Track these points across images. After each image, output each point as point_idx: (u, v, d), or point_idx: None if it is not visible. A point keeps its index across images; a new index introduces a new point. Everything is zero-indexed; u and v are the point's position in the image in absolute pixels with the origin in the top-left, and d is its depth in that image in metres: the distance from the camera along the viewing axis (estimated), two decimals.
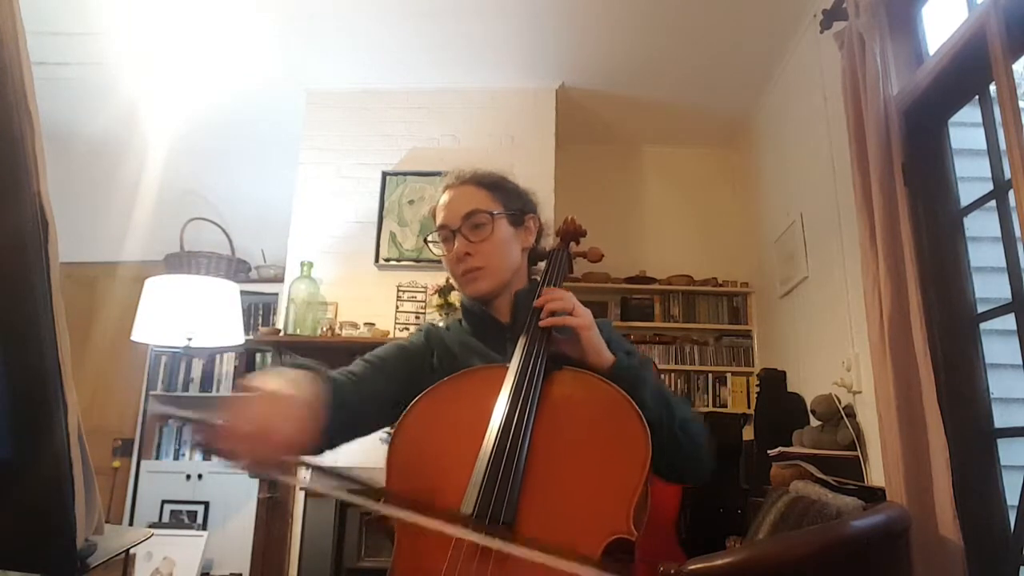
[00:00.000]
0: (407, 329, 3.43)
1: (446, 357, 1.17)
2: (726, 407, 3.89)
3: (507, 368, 1.03)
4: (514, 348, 1.07)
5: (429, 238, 1.23)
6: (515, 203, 1.23)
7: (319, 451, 0.95)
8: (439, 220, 1.20)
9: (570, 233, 1.32)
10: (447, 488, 0.91)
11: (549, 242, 1.31)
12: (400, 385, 1.13)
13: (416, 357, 1.18)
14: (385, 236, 3.59)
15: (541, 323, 1.07)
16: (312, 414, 0.87)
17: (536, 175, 1.31)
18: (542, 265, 1.27)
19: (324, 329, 3.35)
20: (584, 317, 1.06)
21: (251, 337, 3.60)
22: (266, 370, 0.92)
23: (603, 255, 1.33)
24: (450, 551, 0.83)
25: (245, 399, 0.81)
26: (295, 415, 0.84)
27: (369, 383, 1.12)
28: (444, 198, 1.21)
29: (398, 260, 3.56)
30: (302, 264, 3.47)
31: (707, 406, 3.90)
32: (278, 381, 0.89)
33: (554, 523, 0.86)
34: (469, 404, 1.01)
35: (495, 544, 0.79)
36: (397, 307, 3.48)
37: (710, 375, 3.98)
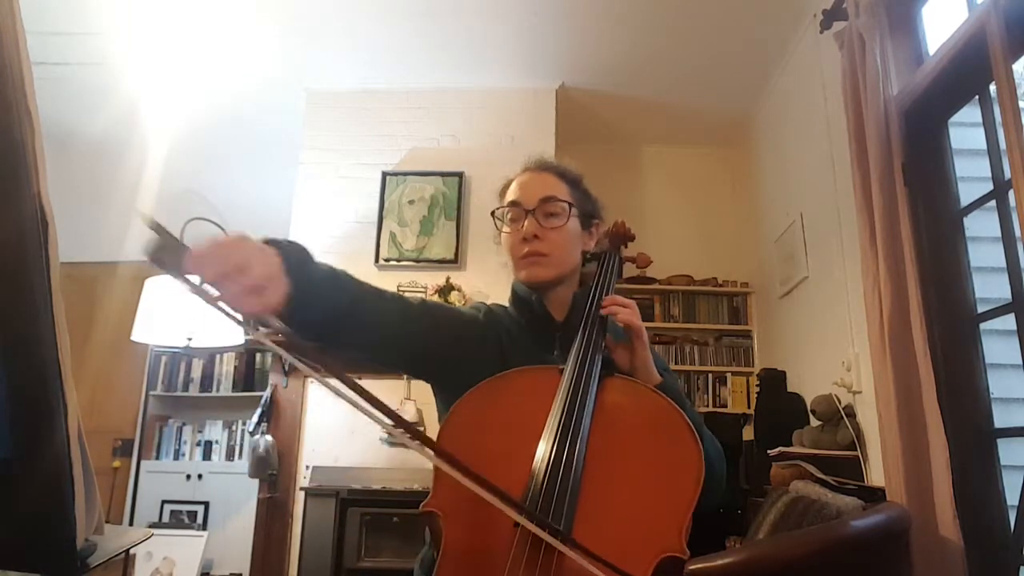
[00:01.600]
0: None
1: (496, 339, 1.14)
2: (726, 407, 3.89)
3: (560, 370, 1.00)
4: (563, 349, 1.05)
5: (496, 212, 1.21)
6: (588, 205, 1.22)
7: (282, 317, 0.89)
8: (512, 196, 1.18)
9: (620, 236, 1.31)
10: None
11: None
12: (439, 340, 1.11)
13: (468, 327, 1.15)
14: (385, 236, 3.59)
15: (604, 310, 1.05)
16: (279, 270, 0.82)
17: (582, 174, 1.32)
18: (592, 267, 1.25)
19: None
20: (645, 334, 1.05)
21: (251, 337, 3.60)
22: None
23: (651, 261, 1.32)
24: (512, 551, 0.80)
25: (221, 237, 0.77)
26: (270, 259, 0.80)
27: (405, 312, 1.10)
28: (523, 178, 1.20)
29: (398, 260, 3.56)
30: None
31: (707, 406, 3.90)
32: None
33: (608, 537, 0.82)
34: (522, 407, 0.97)
35: (560, 545, 0.76)
36: None
37: (710, 375, 3.98)
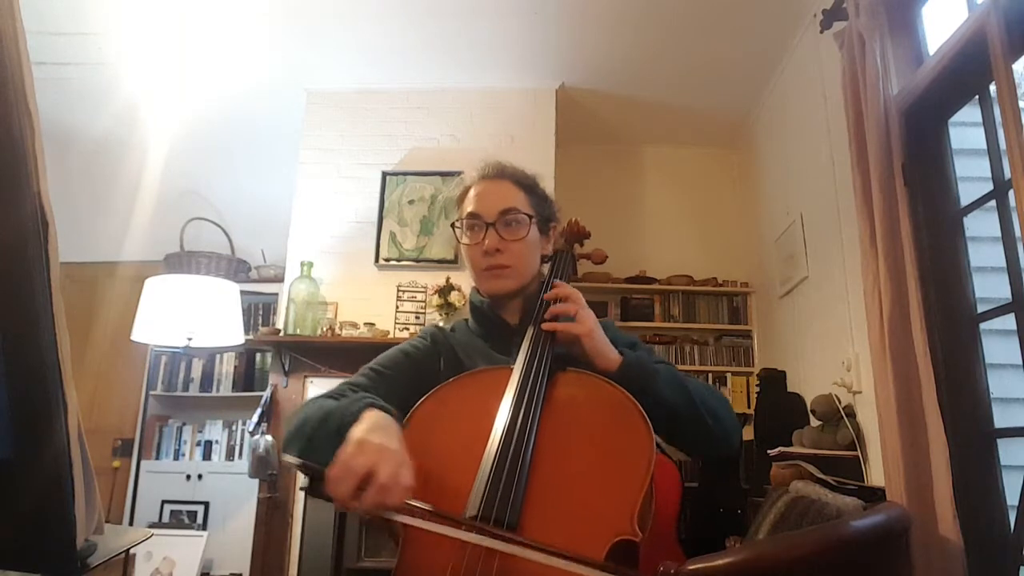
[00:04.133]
0: (407, 329, 3.43)
1: (452, 361, 1.16)
2: None
3: (511, 369, 1.03)
4: (519, 350, 1.06)
5: (456, 223, 1.20)
6: (545, 209, 1.22)
7: None
8: (471, 208, 1.17)
9: (575, 235, 1.32)
10: (452, 490, 0.90)
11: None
12: (407, 393, 1.11)
13: (423, 362, 1.17)
14: (385, 236, 3.59)
15: (543, 326, 1.06)
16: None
17: (536, 175, 1.31)
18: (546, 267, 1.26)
19: (324, 329, 3.35)
20: (585, 322, 1.05)
21: (251, 337, 3.60)
22: (367, 419, 0.91)
23: (607, 256, 1.32)
24: (457, 550, 0.83)
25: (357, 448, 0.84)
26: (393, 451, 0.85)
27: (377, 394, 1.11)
28: (480, 187, 1.19)
29: (398, 260, 3.56)
30: (302, 264, 3.47)
31: None
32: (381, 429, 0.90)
33: (558, 525, 0.85)
34: (473, 406, 1.00)
35: (500, 546, 0.79)
36: (397, 307, 3.48)
37: (710, 375, 3.97)
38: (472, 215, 1.16)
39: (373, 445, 0.83)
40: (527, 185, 1.20)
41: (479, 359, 1.14)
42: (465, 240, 1.18)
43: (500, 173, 1.20)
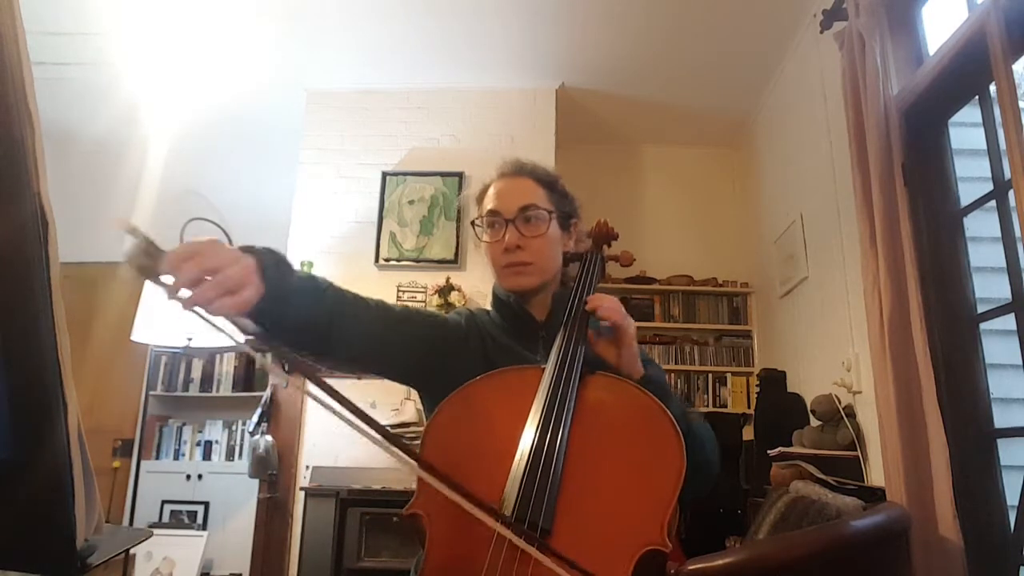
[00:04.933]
0: None
1: (479, 341, 1.16)
2: (726, 407, 3.89)
3: (542, 369, 1.01)
4: (546, 348, 1.05)
5: (476, 221, 1.20)
6: (566, 206, 1.21)
7: (258, 322, 0.90)
8: (491, 205, 1.17)
9: (603, 236, 1.30)
10: (482, 491, 0.88)
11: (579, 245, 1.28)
12: (421, 342, 1.11)
13: (452, 331, 1.16)
14: (385, 236, 3.60)
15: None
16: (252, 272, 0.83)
17: (556, 172, 1.30)
18: (573, 267, 1.24)
19: None
20: (632, 326, 1.05)
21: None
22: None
23: (635, 259, 1.31)
24: (489, 554, 0.81)
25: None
26: (244, 262, 0.81)
27: (387, 320, 1.10)
28: (499, 185, 1.19)
29: (398, 260, 3.56)
30: (302, 264, 3.47)
31: (707, 406, 3.90)
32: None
33: (590, 531, 0.85)
34: (503, 406, 0.99)
35: (534, 552, 0.77)
36: None
37: (710, 375, 3.97)
38: (492, 212, 1.16)
39: (231, 249, 0.81)
40: (547, 182, 1.20)
41: (506, 353, 1.13)
42: (485, 237, 1.18)
43: (519, 170, 1.20)
